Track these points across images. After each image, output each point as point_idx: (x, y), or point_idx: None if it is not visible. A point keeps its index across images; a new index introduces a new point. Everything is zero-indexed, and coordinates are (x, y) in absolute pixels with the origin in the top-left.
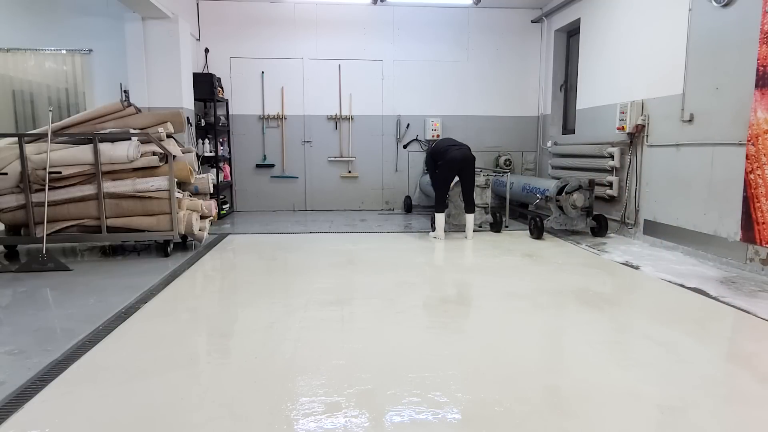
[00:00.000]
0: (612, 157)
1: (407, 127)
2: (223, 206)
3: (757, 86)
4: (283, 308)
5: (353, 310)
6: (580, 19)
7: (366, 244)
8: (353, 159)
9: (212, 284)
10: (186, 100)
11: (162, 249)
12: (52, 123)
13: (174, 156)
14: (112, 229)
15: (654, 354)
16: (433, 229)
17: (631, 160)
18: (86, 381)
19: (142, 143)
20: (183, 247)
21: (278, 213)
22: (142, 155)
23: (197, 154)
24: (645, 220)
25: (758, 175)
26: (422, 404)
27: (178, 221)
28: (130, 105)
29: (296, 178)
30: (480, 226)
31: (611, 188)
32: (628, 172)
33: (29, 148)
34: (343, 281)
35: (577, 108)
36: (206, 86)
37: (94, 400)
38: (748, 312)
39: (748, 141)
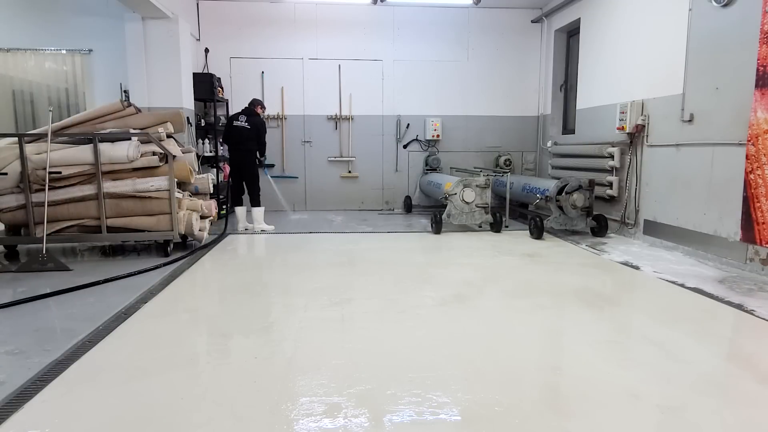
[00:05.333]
0: (612, 157)
1: (407, 127)
2: (223, 206)
3: (757, 86)
4: (283, 308)
5: (353, 309)
6: (580, 19)
7: (366, 244)
8: (353, 159)
9: (212, 284)
10: (186, 100)
11: (162, 249)
12: (52, 123)
13: (174, 156)
14: (112, 229)
15: (654, 354)
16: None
17: (631, 160)
18: (86, 381)
19: (142, 143)
20: (183, 247)
21: (278, 213)
22: (142, 155)
23: (197, 154)
24: (645, 220)
25: (758, 175)
26: (422, 404)
27: (178, 221)
28: (130, 105)
29: (296, 178)
30: (480, 226)
31: (611, 188)
32: (628, 172)
33: (29, 148)
34: (343, 281)
35: (577, 108)
36: (206, 86)
37: (94, 400)
38: (747, 312)
39: (748, 141)
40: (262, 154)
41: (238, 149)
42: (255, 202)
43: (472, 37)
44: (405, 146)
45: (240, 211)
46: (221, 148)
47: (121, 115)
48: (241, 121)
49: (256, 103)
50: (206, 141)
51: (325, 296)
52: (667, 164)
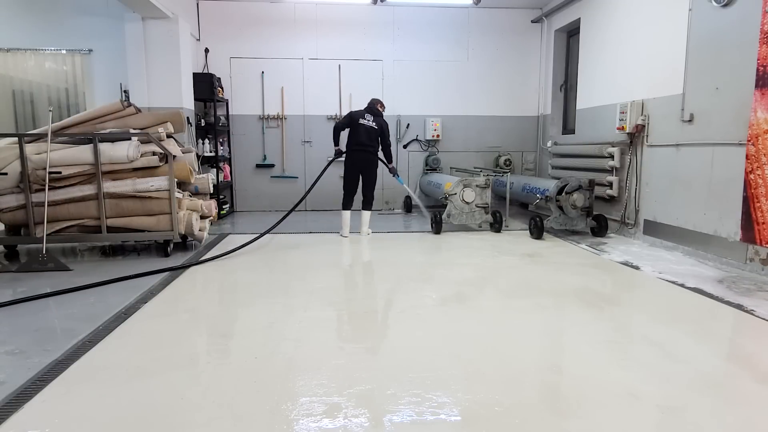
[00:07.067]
0: (612, 157)
1: (407, 127)
2: (223, 206)
3: (757, 86)
4: (283, 308)
5: (353, 309)
6: (580, 19)
7: (366, 244)
8: None
9: (212, 284)
10: (186, 100)
11: (162, 249)
12: (52, 123)
13: (174, 156)
14: (112, 229)
15: (654, 354)
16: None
17: (631, 160)
18: (86, 381)
19: (142, 143)
20: (183, 247)
21: (278, 213)
22: (142, 155)
23: (197, 154)
24: (645, 220)
25: (758, 175)
26: (422, 404)
27: (178, 221)
28: (130, 105)
29: (296, 178)
30: (480, 226)
31: (611, 188)
32: (628, 172)
33: (29, 148)
34: (343, 281)
35: (577, 108)
36: (206, 86)
37: (94, 400)
38: (747, 312)
39: (748, 141)
40: (390, 160)
41: (365, 149)
42: (371, 205)
43: (471, 37)
44: (405, 146)
45: (347, 215)
46: (221, 147)
47: (121, 115)
48: (368, 120)
49: (377, 102)
50: (206, 141)
51: (326, 296)
52: (667, 164)
